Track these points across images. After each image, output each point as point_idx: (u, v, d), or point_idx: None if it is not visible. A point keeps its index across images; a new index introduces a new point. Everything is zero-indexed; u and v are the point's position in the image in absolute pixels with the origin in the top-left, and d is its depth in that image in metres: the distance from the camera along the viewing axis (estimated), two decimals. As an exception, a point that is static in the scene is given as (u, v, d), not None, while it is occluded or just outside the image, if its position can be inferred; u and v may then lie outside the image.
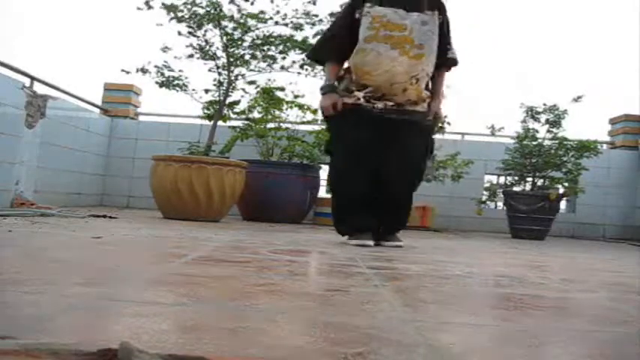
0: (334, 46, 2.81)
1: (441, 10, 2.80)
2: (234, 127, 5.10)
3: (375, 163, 2.75)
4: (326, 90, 2.79)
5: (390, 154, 2.75)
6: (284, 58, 4.90)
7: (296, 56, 4.91)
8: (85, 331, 0.77)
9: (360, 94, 2.70)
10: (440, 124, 2.87)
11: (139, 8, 4.47)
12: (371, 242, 2.68)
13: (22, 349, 0.59)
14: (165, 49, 4.74)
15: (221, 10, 4.52)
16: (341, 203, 2.84)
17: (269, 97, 4.98)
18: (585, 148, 4.80)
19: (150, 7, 4.49)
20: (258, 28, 4.68)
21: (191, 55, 4.78)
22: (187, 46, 4.75)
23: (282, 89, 5.07)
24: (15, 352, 0.59)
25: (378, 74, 2.65)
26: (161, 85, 4.81)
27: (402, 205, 2.87)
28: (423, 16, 2.70)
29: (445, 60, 2.84)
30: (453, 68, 2.93)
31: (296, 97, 5.16)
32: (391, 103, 2.69)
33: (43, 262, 1.44)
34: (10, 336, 0.65)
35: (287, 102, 5.09)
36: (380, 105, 2.69)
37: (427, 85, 2.82)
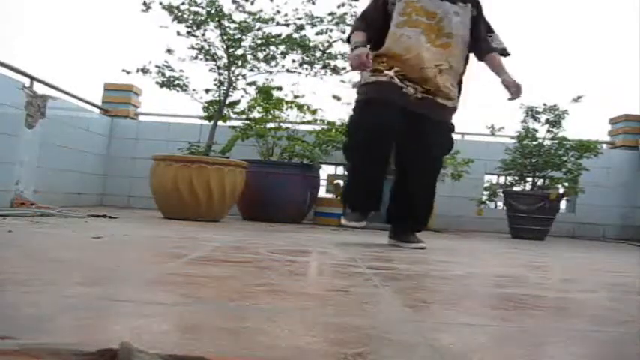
0: (365, 21, 2.80)
1: (474, 4, 2.80)
2: (234, 127, 5.10)
3: (389, 152, 2.77)
4: (357, 44, 2.67)
5: (412, 152, 2.74)
6: (284, 57, 4.90)
7: (296, 56, 4.91)
8: (85, 331, 0.77)
9: (391, 72, 2.64)
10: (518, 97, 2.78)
11: (143, 11, 4.47)
12: (359, 224, 2.76)
13: (22, 349, 0.59)
14: (169, 51, 4.73)
15: (221, 10, 4.52)
16: (351, 181, 2.87)
17: (267, 97, 4.98)
18: (585, 148, 4.80)
19: (149, 8, 4.48)
20: (259, 29, 4.68)
21: (195, 57, 4.78)
22: (189, 48, 4.75)
23: (280, 88, 5.06)
24: (15, 352, 0.59)
25: (407, 58, 2.63)
26: (162, 85, 4.80)
27: (420, 205, 2.84)
28: (456, 7, 2.71)
29: (491, 48, 2.82)
30: (506, 58, 2.88)
31: (296, 97, 5.16)
32: (422, 90, 2.65)
33: (43, 262, 1.44)
34: (10, 336, 0.65)
35: (287, 102, 5.09)
36: (412, 90, 2.64)
37: (459, 83, 2.81)
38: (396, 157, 2.86)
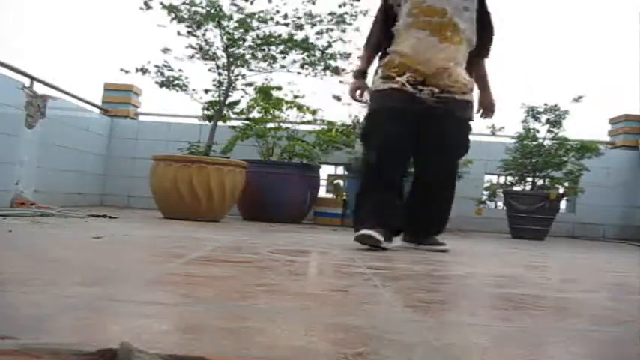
0: (371, 33, 2.83)
1: None
2: (234, 127, 5.11)
3: (407, 159, 2.71)
4: (354, 74, 2.80)
5: (427, 151, 2.66)
6: (284, 57, 4.89)
7: (296, 56, 4.91)
8: (85, 331, 0.77)
9: (403, 79, 2.58)
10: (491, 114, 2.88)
11: (141, 9, 4.47)
12: (374, 234, 2.38)
13: (22, 349, 0.59)
14: (165, 51, 4.73)
15: (221, 10, 4.52)
16: (363, 199, 2.65)
17: (266, 97, 4.98)
18: (586, 149, 4.80)
19: (149, 7, 4.48)
20: (259, 28, 4.67)
21: (192, 57, 4.78)
22: (187, 47, 4.75)
23: (280, 88, 5.06)
24: (15, 352, 0.59)
25: (418, 61, 2.57)
26: (161, 84, 4.80)
27: (439, 206, 2.74)
28: (464, 2, 2.64)
29: (485, 51, 2.81)
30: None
31: (295, 97, 5.16)
32: (437, 90, 2.57)
33: (43, 262, 1.44)
34: (10, 336, 0.65)
35: (286, 102, 5.09)
36: (426, 92, 2.56)
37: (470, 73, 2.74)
38: (414, 159, 2.78)
